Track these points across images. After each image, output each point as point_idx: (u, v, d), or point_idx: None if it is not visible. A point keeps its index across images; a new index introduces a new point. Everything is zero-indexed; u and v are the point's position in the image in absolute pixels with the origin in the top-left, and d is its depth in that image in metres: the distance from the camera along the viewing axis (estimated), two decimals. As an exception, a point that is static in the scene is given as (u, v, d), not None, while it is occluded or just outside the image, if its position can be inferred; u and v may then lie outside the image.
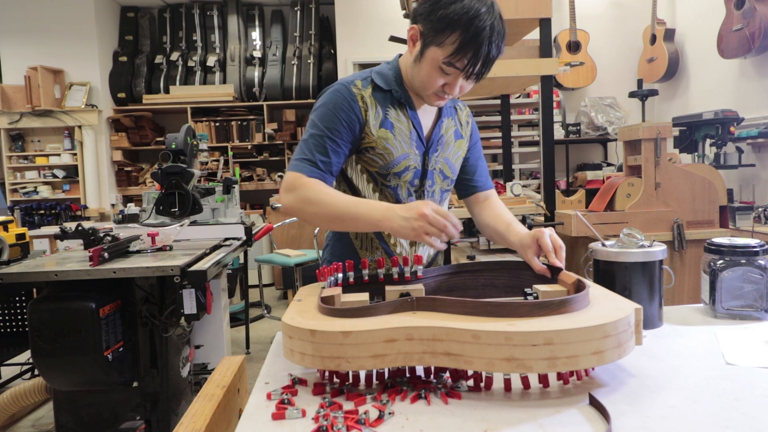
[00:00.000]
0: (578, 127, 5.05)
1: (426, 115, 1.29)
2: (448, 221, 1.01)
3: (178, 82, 5.84)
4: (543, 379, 0.83)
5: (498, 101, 3.78)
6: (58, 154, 5.52)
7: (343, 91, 1.20)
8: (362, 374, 0.88)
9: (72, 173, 5.53)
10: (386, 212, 1.06)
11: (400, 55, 1.27)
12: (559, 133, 4.99)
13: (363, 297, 0.96)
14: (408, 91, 1.24)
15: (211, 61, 5.89)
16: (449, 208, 1.38)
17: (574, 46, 4.94)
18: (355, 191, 1.26)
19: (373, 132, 1.20)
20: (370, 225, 1.09)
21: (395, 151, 1.21)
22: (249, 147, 5.84)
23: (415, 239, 1.03)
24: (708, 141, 3.25)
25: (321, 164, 1.17)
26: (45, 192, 5.48)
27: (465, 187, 1.41)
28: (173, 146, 2.76)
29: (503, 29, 1.11)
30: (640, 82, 4.81)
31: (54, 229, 3.16)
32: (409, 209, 1.03)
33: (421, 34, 1.13)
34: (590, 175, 4.68)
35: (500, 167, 4.35)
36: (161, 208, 2.75)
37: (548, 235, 1.09)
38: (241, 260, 3.80)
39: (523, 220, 3.11)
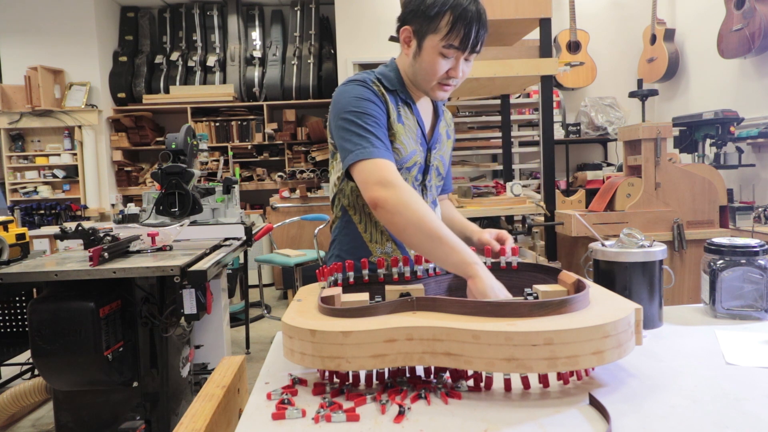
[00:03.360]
0: (578, 127, 5.04)
1: (425, 115, 1.36)
2: None
3: (178, 82, 5.84)
4: (543, 379, 0.83)
5: (498, 101, 3.78)
6: (58, 154, 5.51)
7: (366, 85, 1.24)
8: (362, 374, 0.88)
9: (72, 173, 5.53)
10: (477, 265, 1.00)
11: (395, 58, 1.33)
12: (559, 133, 4.99)
13: (363, 297, 0.96)
14: (409, 91, 1.31)
15: (211, 61, 5.89)
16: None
17: (574, 46, 4.94)
18: None
19: (393, 126, 1.25)
20: (458, 261, 1.02)
21: (408, 146, 1.27)
22: (249, 147, 5.84)
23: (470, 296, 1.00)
24: (708, 141, 3.25)
25: (386, 145, 1.18)
26: (45, 192, 5.48)
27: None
28: (173, 146, 2.76)
29: (483, 6, 1.19)
30: (640, 82, 4.81)
31: (54, 229, 3.16)
32: (501, 290, 0.98)
33: (413, 31, 1.21)
34: (590, 175, 4.68)
35: (500, 167, 4.35)
36: (161, 208, 2.74)
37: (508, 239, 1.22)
38: (241, 260, 3.80)
39: (523, 220, 3.11)
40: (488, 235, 1.27)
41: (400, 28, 1.24)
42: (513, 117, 4.31)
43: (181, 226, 2.52)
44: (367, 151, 1.14)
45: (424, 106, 1.36)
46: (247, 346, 3.69)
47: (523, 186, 3.94)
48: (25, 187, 5.49)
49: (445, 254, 1.03)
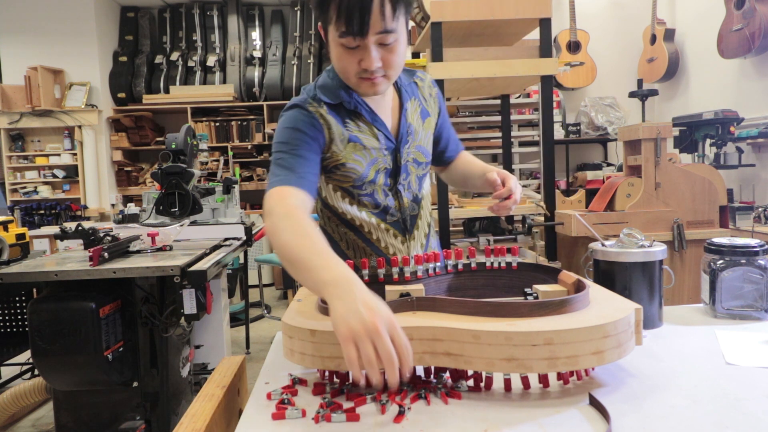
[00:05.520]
0: (578, 127, 5.05)
1: (386, 111, 1.24)
2: (396, 355, 0.73)
3: (178, 82, 5.84)
4: (543, 379, 0.83)
5: (498, 101, 3.78)
6: (58, 154, 5.52)
7: (302, 111, 1.16)
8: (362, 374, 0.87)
9: (72, 173, 5.53)
10: (333, 286, 0.80)
11: None
12: (559, 133, 4.99)
13: (363, 297, 0.96)
14: (355, 94, 1.19)
15: (211, 61, 5.89)
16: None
17: (574, 46, 4.94)
18: (332, 210, 1.25)
19: (341, 148, 1.17)
20: (312, 284, 0.87)
21: (364, 161, 1.19)
22: (249, 147, 5.84)
23: (339, 337, 0.74)
24: (708, 141, 3.25)
25: (298, 173, 1.10)
26: (45, 192, 5.48)
27: (438, 160, 1.44)
28: (173, 146, 2.76)
29: None
30: (640, 82, 4.80)
31: (54, 229, 3.16)
32: (371, 309, 0.75)
33: (322, 27, 1.10)
34: (590, 175, 4.68)
35: (500, 167, 4.35)
36: (161, 208, 2.75)
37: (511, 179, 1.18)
38: (241, 260, 3.80)
39: (523, 220, 3.11)
40: (494, 174, 1.21)
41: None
42: (513, 117, 4.31)
43: (181, 226, 2.52)
44: (270, 182, 1.10)
45: (385, 101, 1.23)
46: (247, 346, 3.69)
47: (524, 186, 3.94)
48: (25, 187, 5.49)
49: (303, 279, 0.90)
